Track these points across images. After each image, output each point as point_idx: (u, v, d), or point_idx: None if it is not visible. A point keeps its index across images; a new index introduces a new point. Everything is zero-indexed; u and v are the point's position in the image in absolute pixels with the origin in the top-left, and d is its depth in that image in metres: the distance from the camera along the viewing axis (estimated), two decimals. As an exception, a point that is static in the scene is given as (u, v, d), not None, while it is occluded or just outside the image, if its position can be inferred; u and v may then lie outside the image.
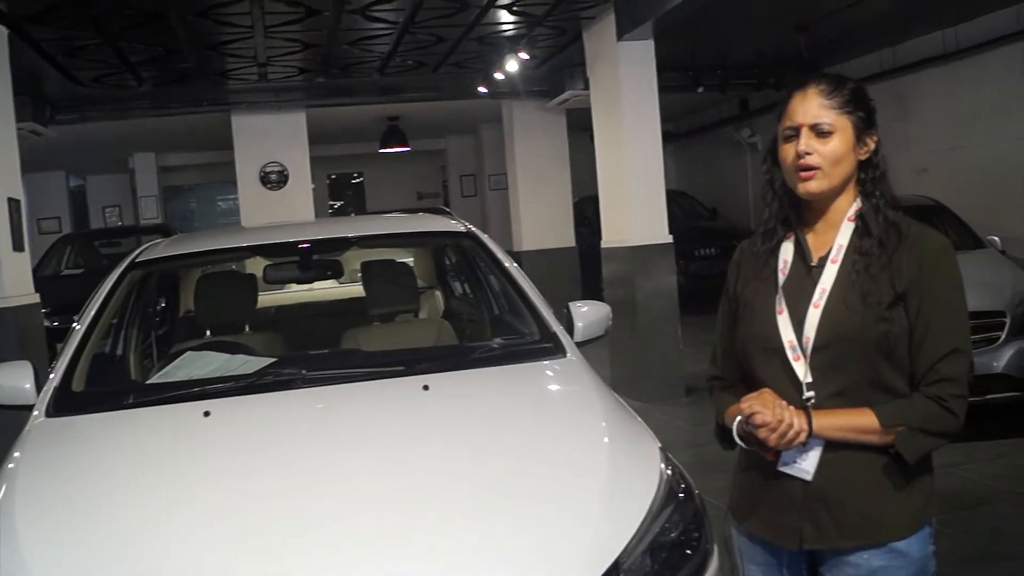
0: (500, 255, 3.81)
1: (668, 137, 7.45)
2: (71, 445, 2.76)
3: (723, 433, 2.10)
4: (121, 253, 12.16)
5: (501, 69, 9.92)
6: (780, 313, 1.97)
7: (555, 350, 3.21)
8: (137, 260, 3.72)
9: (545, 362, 3.17)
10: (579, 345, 3.33)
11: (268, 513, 2.25)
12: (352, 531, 2.16)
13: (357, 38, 8.65)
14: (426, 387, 2.87)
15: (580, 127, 12.23)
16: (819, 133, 1.93)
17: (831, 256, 1.97)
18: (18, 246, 6.30)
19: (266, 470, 2.46)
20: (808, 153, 1.93)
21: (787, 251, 2.04)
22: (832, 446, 1.90)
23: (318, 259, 4.19)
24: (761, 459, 1.96)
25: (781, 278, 2.01)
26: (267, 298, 5.19)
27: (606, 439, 2.62)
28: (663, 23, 7.46)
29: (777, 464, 1.93)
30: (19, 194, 6.53)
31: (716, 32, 9.35)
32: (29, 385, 3.02)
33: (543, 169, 12.43)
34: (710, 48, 10.34)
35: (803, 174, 1.94)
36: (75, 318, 3.46)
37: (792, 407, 1.89)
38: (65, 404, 2.95)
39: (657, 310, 7.98)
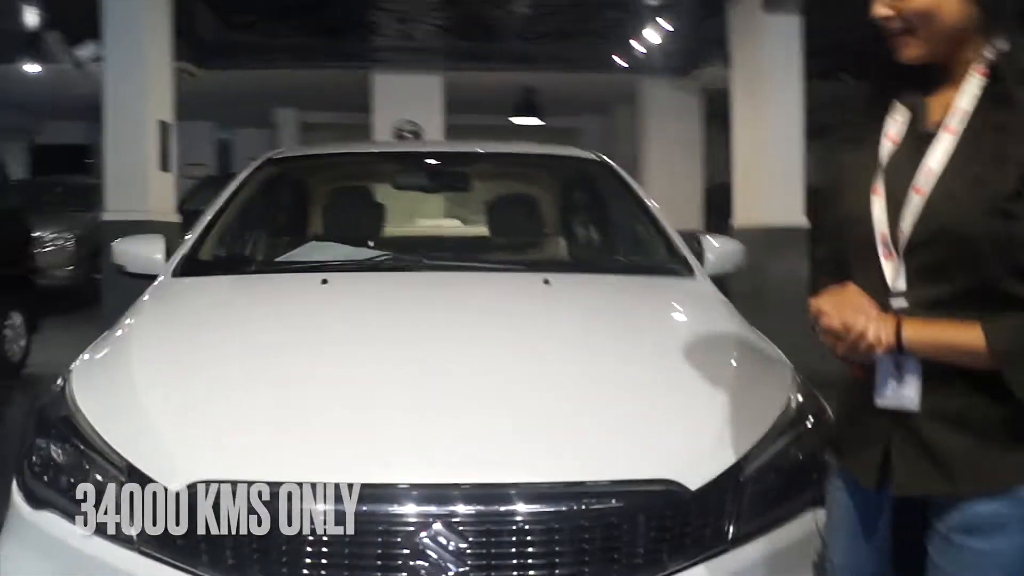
0: (633, 184, 3.79)
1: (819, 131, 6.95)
2: (193, 297, 2.93)
3: None
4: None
5: (639, 39, 9.82)
6: (874, 192, 1.57)
7: (683, 271, 3.18)
8: (273, 157, 3.84)
9: (672, 278, 3.14)
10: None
11: (385, 377, 2.23)
12: (470, 399, 2.13)
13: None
14: (547, 281, 2.87)
15: (710, 112, 12.02)
16: None
17: (946, 123, 1.53)
18: (165, 166, 6.59)
19: (383, 333, 2.49)
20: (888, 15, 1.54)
21: (899, 116, 1.62)
22: (932, 370, 1.51)
23: (450, 170, 4.29)
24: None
25: (887, 146, 1.60)
26: (391, 230, 5.30)
27: (734, 352, 2.53)
28: (812, -4, 7.27)
29: (875, 398, 1.57)
30: (169, 118, 6.83)
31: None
32: (160, 255, 3.17)
33: (674, 151, 12.25)
34: (859, 34, 9.98)
35: (894, 40, 1.56)
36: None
37: (877, 312, 1.53)
38: (191, 269, 3.10)
39: (788, 294, 7.75)
